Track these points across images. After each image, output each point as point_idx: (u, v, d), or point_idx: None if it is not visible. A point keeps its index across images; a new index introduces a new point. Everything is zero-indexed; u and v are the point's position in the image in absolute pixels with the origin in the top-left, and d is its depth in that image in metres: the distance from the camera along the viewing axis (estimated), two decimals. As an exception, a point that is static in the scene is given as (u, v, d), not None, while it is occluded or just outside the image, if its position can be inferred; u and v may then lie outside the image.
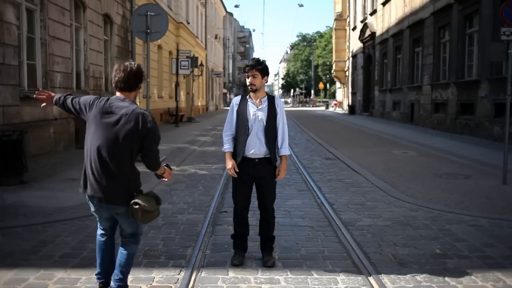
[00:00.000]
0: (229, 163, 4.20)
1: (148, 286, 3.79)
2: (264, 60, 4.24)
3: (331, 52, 54.03)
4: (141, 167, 3.45)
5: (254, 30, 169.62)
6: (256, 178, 4.27)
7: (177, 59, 22.46)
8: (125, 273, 3.42)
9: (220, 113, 38.64)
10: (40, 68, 10.35)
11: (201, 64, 30.06)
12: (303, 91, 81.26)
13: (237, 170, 4.19)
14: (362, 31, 31.93)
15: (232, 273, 4.05)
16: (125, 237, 3.42)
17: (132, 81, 3.29)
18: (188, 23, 29.15)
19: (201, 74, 31.71)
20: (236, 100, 4.34)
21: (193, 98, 29.27)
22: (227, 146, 4.26)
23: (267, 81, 4.25)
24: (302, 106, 66.21)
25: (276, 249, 4.53)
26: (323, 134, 17.38)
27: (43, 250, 4.56)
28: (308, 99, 73.79)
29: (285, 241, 4.92)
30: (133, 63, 3.32)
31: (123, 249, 3.42)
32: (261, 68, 4.15)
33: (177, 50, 25.33)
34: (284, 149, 4.27)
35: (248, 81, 4.18)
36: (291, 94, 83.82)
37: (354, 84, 36.89)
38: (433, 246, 4.76)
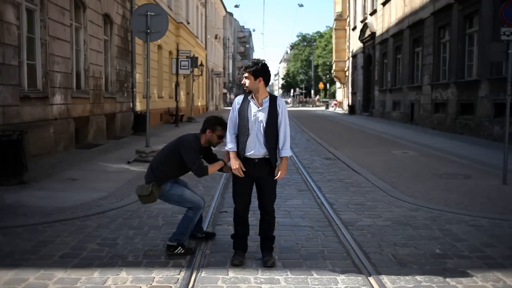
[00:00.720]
0: (236, 163, 4.19)
1: (148, 286, 3.78)
2: (262, 61, 4.20)
3: (331, 52, 54.03)
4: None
5: (254, 30, 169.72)
6: (256, 178, 4.27)
7: (177, 59, 22.44)
8: (181, 232, 4.46)
9: (220, 113, 38.58)
10: (40, 68, 10.35)
11: (201, 64, 30.05)
12: (303, 91, 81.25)
13: (244, 169, 4.19)
14: (362, 31, 31.93)
15: (232, 273, 4.05)
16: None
17: (204, 125, 4.53)
18: (188, 23, 29.15)
19: (201, 74, 31.70)
20: (238, 99, 4.33)
21: (193, 98, 29.27)
22: (232, 146, 4.25)
23: (263, 82, 4.19)
24: (302, 106, 66.22)
25: (276, 249, 4.52)
26: (323, 134, 17.39)
27: (43, 250, 4.56)
28: (308, 99, 73.81)
29: (285, 241, 4.92)
30: (217, 115, 4.61)
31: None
32: (252, 70, 4.14)
33: (177, 50, 25.33)
34: (285, 151, 4.24)
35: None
36: (291, 94, 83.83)
37: (354, 84, 36.89)
38: (433, 246, 4.76)
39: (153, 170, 4.52)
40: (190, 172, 4.54)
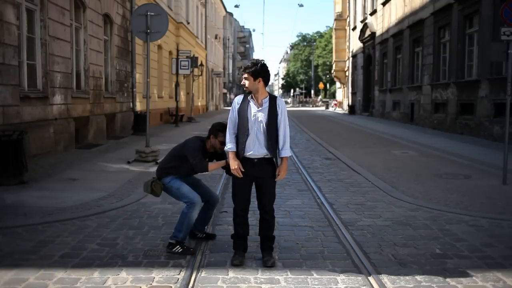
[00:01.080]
0: (234, 164, 4.20)
1: (148, 286, 3.78)
2: (261, 61, 4.20)
3: (331, 52, 54.02)
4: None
5: (254, 30, 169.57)
6: (255, 178, 4.27)
7: (177, 59, 22.44)
8: (177, 228, 4.55)
9: (220, 113, 38.64)
10: (40, 68, 10.35)
11: (201, 64, 30.05)
12: (303, 91, 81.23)
13: (243, 170, 4.19)
14: (362, 31, 31.93)
15: (232, 273, 4.05)
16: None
17: (209, 131, 4.67)
18: (188, 23, 29.15)
19: (201, 74, 31.70)
20: (238, 99, 4.33)
21: (193, 98, 29.27)
22: (231, 146, 4.25)
23: (262, 83, 4.20)
24: (302, 106, 66.23)
25: (276, 249, 4.53)
26: (323, 134, 17.39)
27: (43, 250, 4.56)
28: (308, 99, 73.80)
29: (285, 241, 4.92)
30: (222, 122, 4.65)
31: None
32: (252, 70, 4.15)
33: (177, 50, 25.33)
34: (285, 151, 4.25)
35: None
36: (291, 94, 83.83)
37: (354, 84, 36.90)
38: (433, 246, 4.76)
39: (159, 166, 4.81)
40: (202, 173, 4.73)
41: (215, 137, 4.59)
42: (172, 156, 4.77)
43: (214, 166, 4.63)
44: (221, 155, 4.74)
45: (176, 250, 4.45)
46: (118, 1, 15.96)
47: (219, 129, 4.57)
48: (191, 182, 4.78)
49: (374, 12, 29.51)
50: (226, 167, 4.49)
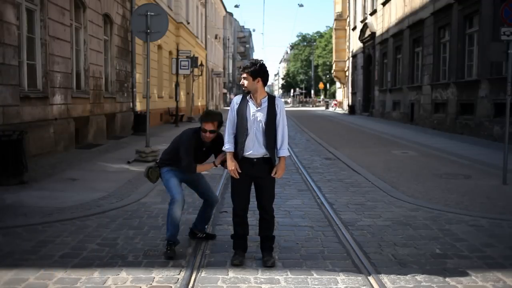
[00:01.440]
0: (232, 164, 4.20)
1: (148, 286, 3.78)
2: (260, 61, 4.21)
3: (331, 52, 54.01)
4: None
5: (254, 30, 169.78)
6: (254, 177, 4.27)
7: (177, 59, 22.44)
8: (167, 227, 4.53)
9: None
10: (40, 68, 10.34)
11: (201, 64, 30.03)
12: (303, 91, 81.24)
13: (240, 171, 4.19)
14: (362, 31, 31.92)
15: (232, 273, 4.05)
16: None
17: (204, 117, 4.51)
18: (188, 23, 29.14)
19: (201, 74, 31.68)
20: (236, 99, 4.33)
21: (193, 98, 29.27)
22: (229, 146, 4.25)
23: (261, 83, 4.21)
24: (302, 106, 66.23)
25: (276, 249, 4.53)
26: (323, 134, 17.38)
27: (43, 250, 4.56)
28: (308, 99, 73.81)
29: (285, 241, 4.92)
30: (211, 109, 4.63)
31: None
32: (251, 70, 4.15)
33: (177, 50, 25.33)
34: (283, 150, 4.25)
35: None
36: (291, 94, 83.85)
37: (354, 84, 36.89)
38: (433, 246, 4.76)
39: (161, 155, 4.88)
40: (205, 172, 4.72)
41: (201, 125, 4.46)
42: (171, 148, 4.74)
43: (202, 168, 4.58)
44: (219, 146, 4.50)
45: (167, 250, 4.42)
46: (118, 1, 15.97)
47: (203, 115, 4.49)
48: (193, 177, 4.74)
49: (374, 12, 29.51)
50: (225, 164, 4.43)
